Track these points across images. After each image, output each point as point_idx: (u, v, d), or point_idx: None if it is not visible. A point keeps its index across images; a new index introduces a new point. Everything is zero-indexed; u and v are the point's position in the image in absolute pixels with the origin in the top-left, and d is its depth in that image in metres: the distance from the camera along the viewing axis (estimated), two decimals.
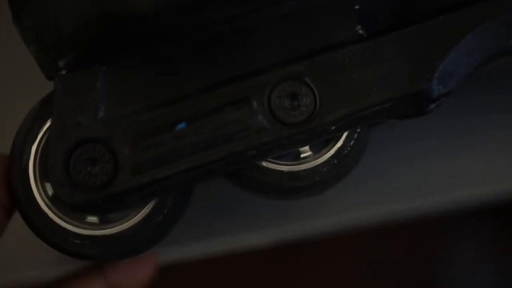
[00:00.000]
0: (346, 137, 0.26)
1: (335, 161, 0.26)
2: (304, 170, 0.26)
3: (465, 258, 0.54)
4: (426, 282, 0.53)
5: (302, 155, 0.26)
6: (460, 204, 0.34)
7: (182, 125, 0.24)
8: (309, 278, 0.51)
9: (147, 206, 0.26)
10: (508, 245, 0.54)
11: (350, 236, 0.34)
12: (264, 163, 0.26)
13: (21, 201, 0.25)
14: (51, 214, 0.25)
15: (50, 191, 0.25)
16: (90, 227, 0.25)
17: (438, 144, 0.33)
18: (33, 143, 0.25)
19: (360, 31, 0.25)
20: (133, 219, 0.26)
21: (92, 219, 0.26)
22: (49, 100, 0.25)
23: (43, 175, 0.25)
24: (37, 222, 0.25)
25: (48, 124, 0.25)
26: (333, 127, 0.24)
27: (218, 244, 0.34)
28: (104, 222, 0.26)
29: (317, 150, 0.26)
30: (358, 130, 0.26)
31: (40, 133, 0.25)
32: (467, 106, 0.33)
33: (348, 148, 0.26)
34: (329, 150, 0.26)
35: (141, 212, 0.26)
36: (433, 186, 0.33)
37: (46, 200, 0.25)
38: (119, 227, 0.25)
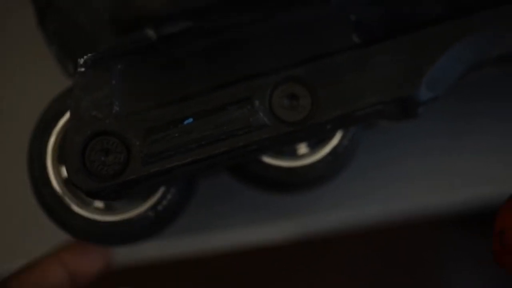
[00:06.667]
0: (342, 137, 0.28)
1: (331, 159, 0.28)
2: (301, 166, 0.28)
3: (457, 268, 0.55)
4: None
5: (300, 152, 0.28)
6: (452, 206, 0.36)
7: (189, 121, 0.26)
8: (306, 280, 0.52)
9: (150, 198, 0.28)
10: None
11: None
12: (264, 159, 0.28)
13: (37, 179, 0.27)
14: (62, 195, 0.27)
15: (64, 174, 0.27)
16: (97, 212, 0.27)
17: (431, 146, 0.35)
18: (53, 129, 0.27)
19: (356, 39, 0.27)
20: (137, 208, 0.27)
21: (99, 205, 0.28)
22: (70, 91, 0.26)
23: (60, 159, 0.27)
24: (49, 202, 0.27)
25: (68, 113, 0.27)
26: (329, 126, 0.26)
27: (215, 240, 0.35)
28: (110, 209, 0.28)
29: (314, 147, 0.28)
30: (353, 130, 0.28)
31: (60, 121, 0.27)
32: (460, 111, 0.35)
33: (344, 147, 0.28)
34: (325, 148, 0.28)
35: (144, 203, 0.28)
36: (426, 187, 0.35)
37: (60, 181, 0.27)
38: (122, 215, 0.27)
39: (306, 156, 0.28)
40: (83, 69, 0.26)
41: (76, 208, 0.27)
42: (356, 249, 0.51)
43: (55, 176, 0.27)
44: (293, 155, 0.28)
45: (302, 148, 0.28)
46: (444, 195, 0.36)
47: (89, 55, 0.26)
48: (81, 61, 0.26)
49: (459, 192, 0.36)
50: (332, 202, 0.35)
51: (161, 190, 0.27)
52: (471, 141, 0.35)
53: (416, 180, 0.35)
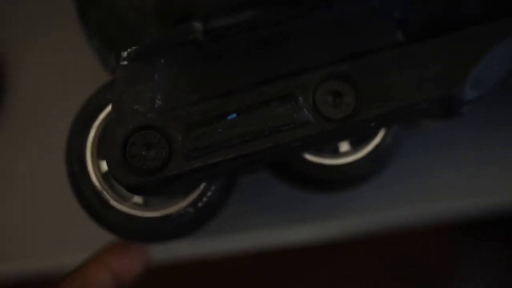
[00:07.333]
0: (384, 135, 0.27)
1: (373, 157, 0.27)
2: (343, 164, 0.27)
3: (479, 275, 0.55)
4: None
5: (342, 150, 0.28)
6: (474, 211, 0.35)
7: (232, 116, 0.26)
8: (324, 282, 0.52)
9: (190, 194, 0.27)
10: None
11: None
12: (306, 156, 0.27)
13: (75, 174, 0.27)
14: (101, 190, 0.27)
15: (103, 169, 0.27)
16: (136, 208, 0.27)
17: (465, 153, 0.35)
18: (93, 124, 0.27)
19: (400, 37, 0.27)
20: (177, 204, 0.27)
21: (138, 200, 0.27)
22: (111, 84, 0.26)
23: (99, 154, 0.27)
24: (88, 197, 0.27)
25: (108, 108, 0.27)
26: (372, 124, 0.26)
27: (244, 240, 0.35)
28: (149, 205, 0.28)
29: (356, 145, 0.28)
30: (396, 128, 0.28)
31: (100, 115, 0.27)
32: (485, 119, 0.35)
33: (386, 145, 0.27)
34: (367, 146, 0.27)
35: (184, 199, 0.27)
36: (454, 192, 0.35)
37: (99, 176, 0.27)
38: (161, 211, 0.27)
39: (348, 154, 0.28)
40: (125, 63, 0.26)
41: (114, 203, 0.27)
42: (378, 252, 0.50)
43: (94, 171, 0.27)
44: (335, 152, 0.28)
45: (344, 146, 0.28)
46: (469, 201, 0.35)
47: (133, 48, 0.26)
48: (124, 54, 0.26)
49: (482, 199, 0.35)
50: (360, 206, 0.35)
51: (202, 187, 0.27)
52: (490, 150, 0.35)
53: (442, 185, 0.35)
